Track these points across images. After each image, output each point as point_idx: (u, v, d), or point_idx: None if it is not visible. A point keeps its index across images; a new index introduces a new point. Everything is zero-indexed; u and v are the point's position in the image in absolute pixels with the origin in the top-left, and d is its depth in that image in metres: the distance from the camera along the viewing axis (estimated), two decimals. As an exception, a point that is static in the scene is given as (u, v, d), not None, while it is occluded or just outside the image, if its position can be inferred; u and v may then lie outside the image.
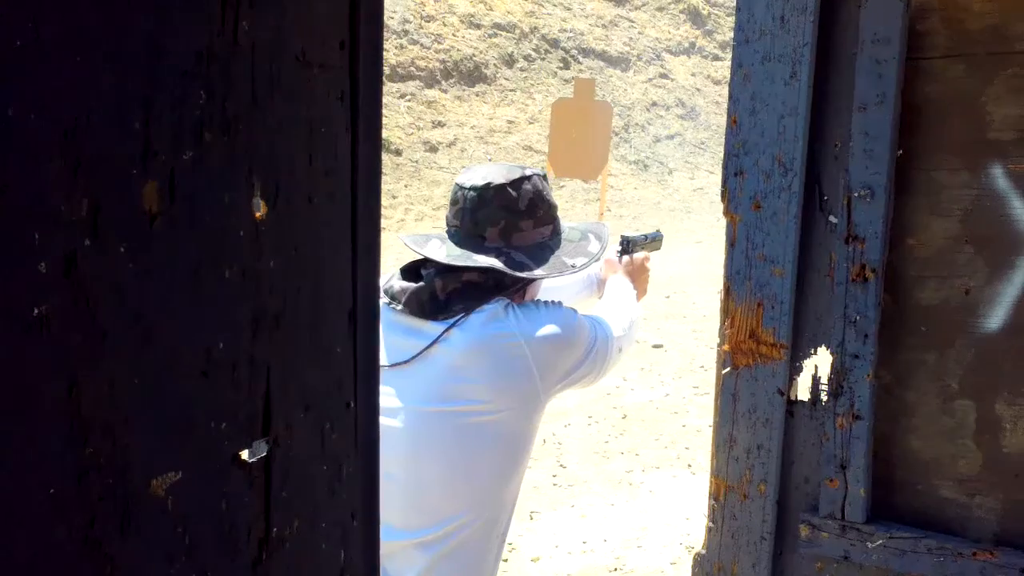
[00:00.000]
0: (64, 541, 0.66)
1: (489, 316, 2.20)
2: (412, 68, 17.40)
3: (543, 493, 5.77)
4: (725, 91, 22.33)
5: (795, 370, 1.94)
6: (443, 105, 17.34)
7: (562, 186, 15.01)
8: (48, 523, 0.65)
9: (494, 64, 18.80)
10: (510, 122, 17.89)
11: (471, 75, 18.37)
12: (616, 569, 4.95)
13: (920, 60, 1.83)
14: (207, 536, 0.78)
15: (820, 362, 1.91)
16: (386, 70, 16.57)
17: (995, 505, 1.87)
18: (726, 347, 1.97)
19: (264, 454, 0.81)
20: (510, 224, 2.26)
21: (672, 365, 8.13)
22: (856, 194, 1.81)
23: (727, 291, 1.96)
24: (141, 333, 0.70)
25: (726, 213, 1.94)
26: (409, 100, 16.94)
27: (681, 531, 5.23)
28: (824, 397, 1.91)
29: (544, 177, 2.36)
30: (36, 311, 0.63)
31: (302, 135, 0.84)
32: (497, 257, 2.23)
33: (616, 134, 17.42)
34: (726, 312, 1.96)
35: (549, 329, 2.22)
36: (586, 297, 2.80)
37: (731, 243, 1.94)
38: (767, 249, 1.90)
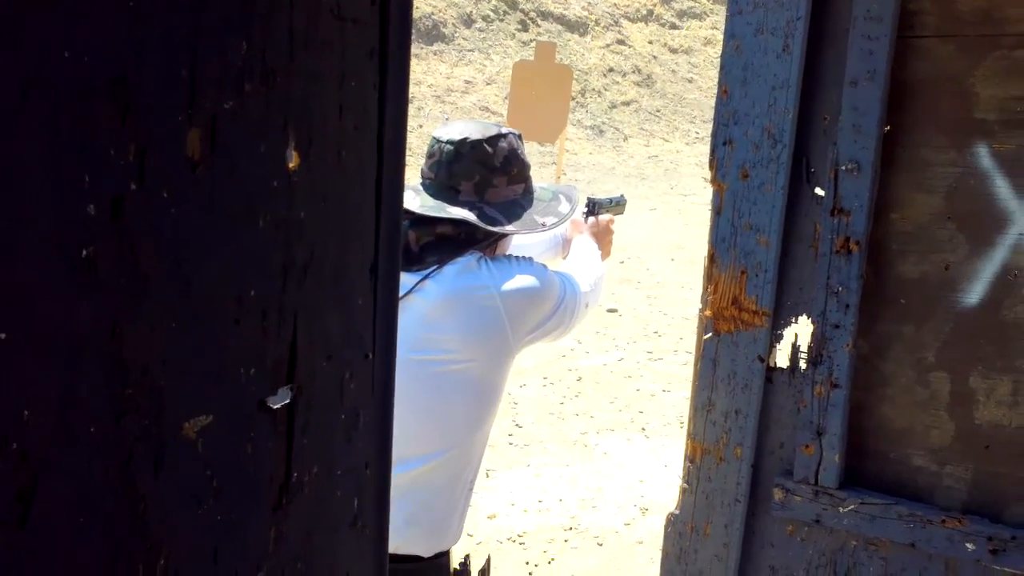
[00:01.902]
0: (101, 479, 0.67)
1: (462, 268, 2.26)
2: (372, 25, 17.20)
3: (499, 452, 5.81)
4: (682, 60, 22.40)
5: (776, 338, 1.97)
6: (401, 63, 17.19)
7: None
8: (87, 461, 0.66)
9: (452, 23, 18.68)
10: (467, 82, 17.79)
11: (429, 34, 18.25)
12: (571, 528, 5.00)
13: (911, 39, 1.85)
14: (233, 479, 0.79)
15: (801, 331, 1.94)
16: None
17: (965, 475, 1.92)
18: (708, 312, 2.00)
19: (288, 401, 0.83)
20: (484, 179, 2.32)
21: (626, 330, 8.17)
22: (843, 168, 1.84)
23: (711, 258, 1.98)
24: (180, 278, 0.71)
25: (713, 181, 1.96)
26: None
27: (635, 493, 5.29)
28: (803, 365, 1.95)
29: (520, 137, 2.42)
30: (84, 252, 0.63)
31: (333, 89, 0.85)
32: (470, 210, 2.28)
33: (573, 99, 17.39)
34: (709, 278, 1.99)
35: (521, 282, 2.29)
36: (552, 256, 2.86)
37: (717, 211, 1.97)
38: (753, 218, 1.92)
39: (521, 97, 11.71)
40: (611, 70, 20.14)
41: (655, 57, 21.29)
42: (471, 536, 4.84)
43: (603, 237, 2.84)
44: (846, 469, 1.98)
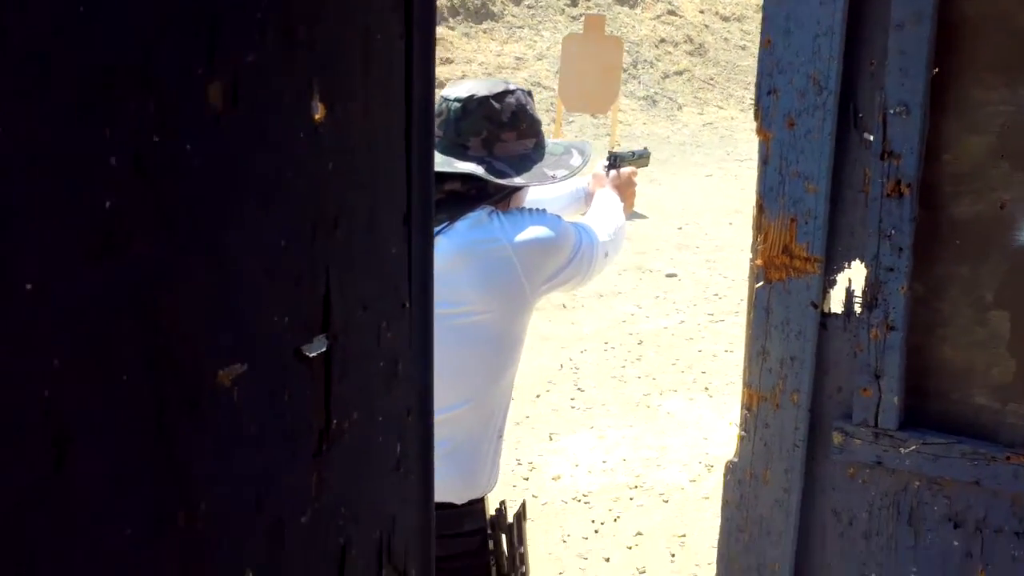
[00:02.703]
0: (136, 427, 0.68)
1: (473, 222, 2.28)
2: (420, 3, 17.18)
3: (561, 416, 5.82)
4: (733, 28, 22.12)
5: (829, 284, 1.96)
6: (451, 42, 17.18)
7: (571, 121, 14.93)
8: (120, 409, 0.67)
9: (501, 1, 18.59)
10: (518, 59, 17.73)
11: (478, 12, 18.18)
12: (636, 487, 5.00)
13: (956, -23, 1.82)
14: (271, 427, 0.80)
15: (854, 275, 1.92)
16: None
17: (1027, 412, 1.90)
18: (759, 262, 1.99)
19: (324, 349, 0.83)
20: (492, 134, 2.33)
21: (686, 294, 8.14)
22: (892, 111, 1.82)
23: (760, 208, 1.97)
24: (210, 230, 0.71)
25: (759, 131, 1.95)
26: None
27: (700, 450, 5.28)
28: (858, 309, 1.93)
29: (529, 93, 2.45)
30: (107, 204, 0.64)
31: (358, 41, 0.85)
32: (479, 165, 2.30)
33: (625, 70, 17.26)
34: (759, 228, 1.98)
35: (533, 233, 2.30)
36: (574, 211, 2.87)
37: (764, 161, 1.95)
38: (801, 166, 1.91)
39: (571, 70, 11.66)
40: (662, 40, 19.97)
41: (707, 26, 21.07)
42: (536, 497, 4.87)
43: (625, 190, 2.85)
44: (906, 411, 1.97)
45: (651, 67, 18.88)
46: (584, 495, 4.93)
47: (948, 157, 1.87)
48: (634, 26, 19.61)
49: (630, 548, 4.52)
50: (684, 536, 4.60)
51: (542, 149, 2.45)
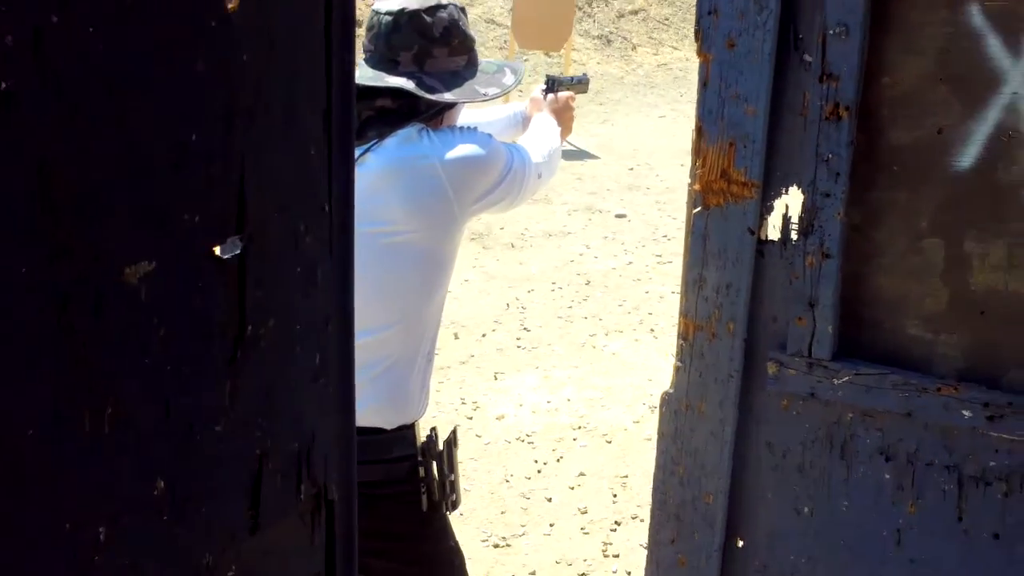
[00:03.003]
0: (36, 323, 0.65)
1: (402, 139, 2.27)
2: (374, -65, 17.04)
3: (507, 355, 5.81)
4: (691, -35, 22.05)
5: (766, 209, 1.94)
6: (404, -25, 17.03)
7: (526, 59, 14.82)
8: (20, 302, 0.64)
9: (455, -66, 18.43)
10: (472, -7, 17.60)
11: (433, -56, 18.02)
12: (580, 427, 5.02)
13: None
14: (182, 330, 0.77)
15: (791, 201, 1.91)
16: (348, -65, 16.16)
17: (960, 342, 1.90)
18: (697, 187, 1.97)
19: (238, 251, 0.80)
20: (423, 50, 2.31)
21: (635, 234, 8.14)
22: (831, 32, 1.79)
23: (699, 131, 1.95)
24: (113, 116, 0.68)
25: (699, 53, 1.92)
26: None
27: (644, 392, 5.30)
28: (794, 236, 1.92)
29: (462, 9, 2.42)
30: (3, 84, 0.61)
31: (272, -74, 0.81)
32: (409, 79, 2.27)
33: (579, 8, 17.14)
34: (697, 152, 1.96)
35: (463, 150, 2.29)
36: (511, 135, 2.85)
37: (704, 83, 1.93)
38: (740, 88, 1.88)
39: (525, 6, 11.57)
40: (618, -22, 19.86)
41: (663, -36, 20.97)
42: (479, 437, 4.87)
43: (563, 114, 2.83)
44: (841, 341, 1.96)
45: (606, 5, 18.77)
46: (528, 435, 4.94)
47: (887, 80, 1.84)
48: (590, -36, 19.48)
49: (572, 488, 4.54)
50: (626, 477, 4.63)
51: (474, 67, 2.42)
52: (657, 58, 17.84)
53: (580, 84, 2.96)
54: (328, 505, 0.98)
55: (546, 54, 14.49)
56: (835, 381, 1.94)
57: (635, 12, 19.15)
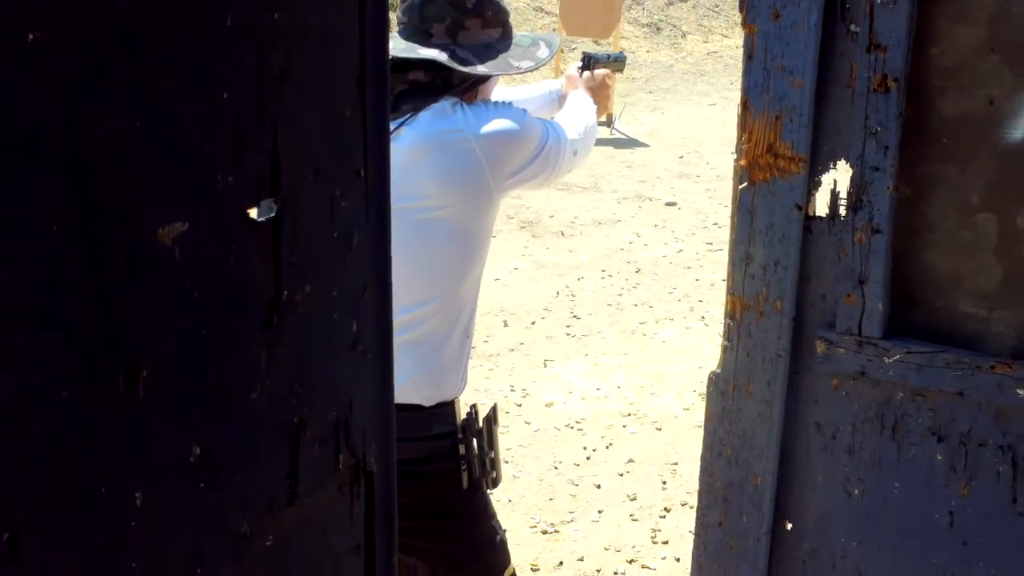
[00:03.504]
0: (70, 284, 0.65)
1: (436, 113, 2.25)
2: (421, -74, 17.05)
3: (556, 343, 5.80)
4: (742, -48, 21.76)
5: (814, 184, 1.91)
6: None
7: (574, 48, 14.78)
8: (51, 261, 0.63)
9: (505, -77, 18.40)
10: (521, -18, 17.56)
11: (482, -67, 18.00)
12: (629, 415, 5.00)
13: None
14: (216, 293, 0.76)
15: (839, 176, 1.88)
16: (396, -72, 16.24)
17: (1014, 319, 1.86)
18: (743, 162, 1.94)
19: (273, 214, 0.80)
20: (456, 22, 2.30)
21: (685, 222, 8.11)
22: (879, 1, 1.76)
23: (744, 105, 1.92)
24: (142, 70, 0.68)
25: (744, 25, 1.90)
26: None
27: (695, 379, 5.27)
28: (843, 212, 1.89)
29: None
30: (31, 37, 0.60)
31: None
32: (442, 51, 2.26)
33: (629, -4, 17.11)
34: (743, 127, 1.93)
35: (497, 125, 2.27)
36: (548, 113, 2.83)
37: (749, 55, 1.90)
38: (786, 60, 1.85)
39: (573, -7, 11.54)
40: (668, -34, 19.75)
41: (713, -49, 20.83)
42: (528, 424, 4.86)
43: (599, 92, 2.81)
44: (891, 319, 1.92)
45: (655, -7, 18.69)
46: (577, 422, 4.93)
47: (936, 51, 1.81)
48: (638, -49, 19.39)
49: (621, 475, 4.52)
50: (676, 464, 4.61)
51: (509, 40, 2.41)
52: (707, 46, 17.75)
53: (617, 62, 2.94)
54: (367, 476, 0.97)
55: (594, 42, 14.46)
56: (886, 360, 1.90)
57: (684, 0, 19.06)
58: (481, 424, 2.41)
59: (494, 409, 2.49)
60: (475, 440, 2.39)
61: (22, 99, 0.60)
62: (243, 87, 0.76)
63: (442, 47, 2.27)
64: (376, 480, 0.98)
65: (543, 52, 2.44)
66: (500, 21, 2.38)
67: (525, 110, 2.36)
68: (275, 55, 0.78)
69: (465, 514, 2.44)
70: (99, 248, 0.66)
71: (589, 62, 2.85)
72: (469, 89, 2.34)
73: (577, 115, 2.61)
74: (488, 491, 2.48)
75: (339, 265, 0.89)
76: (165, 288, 0.72)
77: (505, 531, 2.59)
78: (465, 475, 2.37)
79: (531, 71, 2.41)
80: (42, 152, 0.62)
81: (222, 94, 0.74)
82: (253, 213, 0.78)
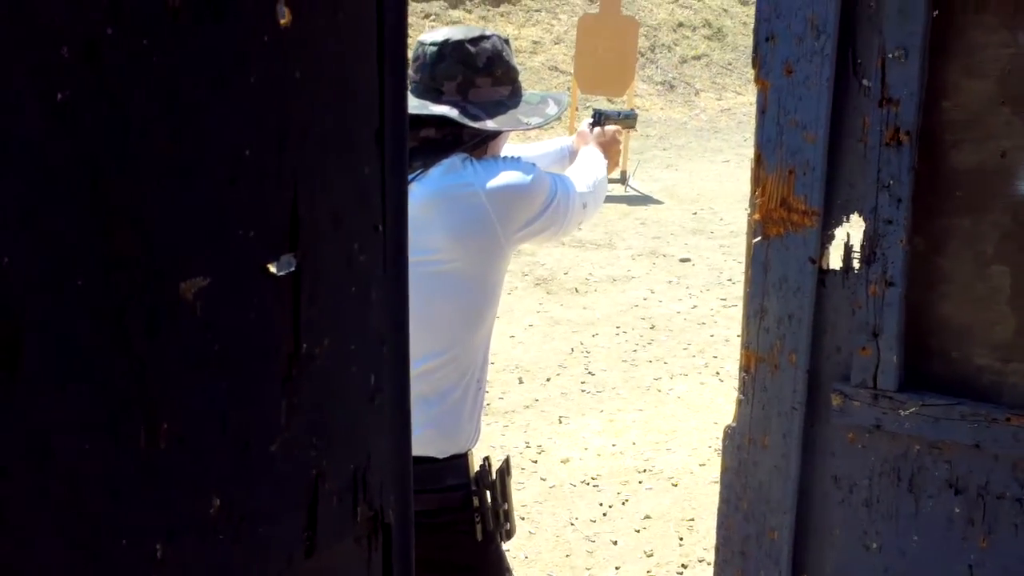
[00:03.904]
0: (93, 335, 0.66)
1: (446, 168, 2.29)
2: (436, -12, 17.22)
3: (571, 399, 5.79)
4: (752, 12, 21.91)
5: (827, 238, 1.92)
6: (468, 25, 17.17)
7: (588, 106, 14.89)
8: (76, 314, 0.64)
9: (518, -16, 18.55)
10: (535, 42, 17.68)
11: (495, -5, 18.15)
12: (645, 470, 4.98)
13: (957, -83, 1.79)
14: (237, 346, 0.77)
15: (852, 229, 1.89)
16: (410, -11, 16.41)
17: (1030, 371, 1.86)
18: (757, 216, 1.95)
19: (292, 269, 0.81)
20: (467, 79, 2.34)
21: (700, 278, 8.11)
22: (890, 55, 1.78)
23: (758, 159, 1.94)
24: (167, 128, 0.69)
25: (757, 80, 1.91)
26: (433, 20, 16.78)
27: (710, 435, 5.25)
28: (856, 265, 1.89)
29: (506, 41, 2.44)
30: (59, 96, 0.62)
31: (326, -54, 0.82)
32: (453, 108, 2.30)
33: (642, 55, 17.22)
34: (757, 181, 1.94)
35: (506, 179, 2.30)
36: (559, 169, 2.85)
37: (762, 110, 1.92)
38: (799, 115, 1.87)
39: (587, 50, 11.62)
40: (680, 25, 19.89)
41: (725, 10, 20.98)
42: (544, 480, 4.85)
43: (609, 148, 2.84)
44: (906, 371, 1.92)
45: (669, 51, 18.82)
46: (593, 478, 4.91)
47: (948, 104, 1.82)
48: (652, 9, 19.54)
49: (638, 531, 4.50)
50: (692, 520, 4.58)
51: (518, 97, 2.44)
52: (720, 103, 17.84)
53: (628, 119, 2.97)
54: (385, 528, 0.98)
55: (609, 100, 14.56)
56: (901, 412, 1.90)
57: (697, 57, 19.18)
58: (494, 476, 2.42)
59: (507, 461, 2.49)
60: (488, 492, 2.39)
61: (50, 156, 0.61)
62: (264, 143, 0.77)
63: (453, 104, 2.31)
64: (394, 532, 0.98)
65: (552, 109, 2.47)
66: (510, 79, 2.41)
67: (534, 164, 2.39)
68: (296, 112, 0.80)
69: (479, 566, 2.44)
70: (122, 301, 0.67)
71: (600, 118, 2.89)
72: (479, 145, 2.37)
73: (587, 169, 2.64)
74: (502, 543, 2.48)
75: (357, 319, 0.90)
76: (186, 341, 0.73)
77: None
78: (479, 527, 2.38)
79: (540, 127, 2.44)
80: (68, 207, 0.63)
81: (244, 151, 0.75)
82: (273, 268, 0.79)
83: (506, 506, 2.44)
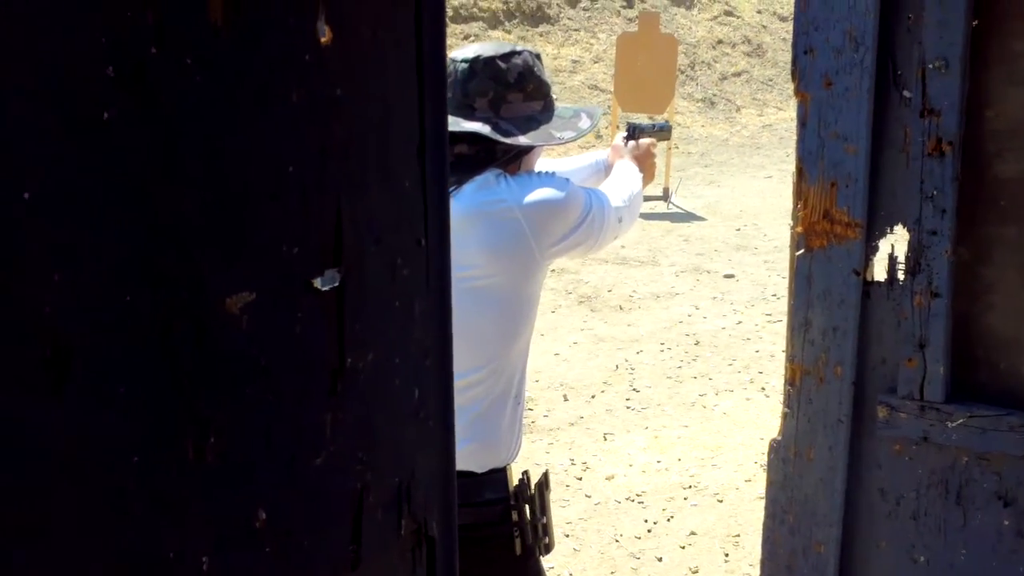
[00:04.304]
0: (140, 350, 0.67)
1: (480, 185, 2.30)
2: (475, 9, 17.28)
3: (616, 416, 5.78)
4: (791, 28, 21.83)
5: (871, 250, 1.91)
6: (508, 46, 17.19)
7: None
8: (123, 329, 0.65)
9: (557, 4, 18.58)
10: (574, 62, 17.71)
11: (534, 15, 18.19)
12: (690, 487, 4.95)
13: (997, -74, 1.78)
14: (282, 361, 0.78)
15: (896, 240, 1.88)
16: (449, 11, 16.49)
17: (1078, 380, 1.84)
18: (799, 229, 1.95)
19: (336, 284, 0.81)
20: (498, 95, 2.34)
21: (744, 294, 8.08)
22: (931, 66, 1.77)
23: (799, 172, 1.93)
24: (211, 146, 0.70)
25: (797, 93, 1.91)
26: (473, 40, 16.87)
27: (756, 450, 5.22)
28: (901, 276, 1.88)
29: (538, 56, 2.44)
30: (105, 115, 0.63)
31: (366, -36, 0.83)
32: (485, 124, 2.30)
33: (682, 72, 17.22)
34: (799, 194, 1.94)
35: (540, 194, 2.31)
36: (594, 183, 2.85)
37: (802, 123, 1.91)
38: (840, 127, 1.87)
39: (627, 69, 11.63)
40: (720, 42, 19.87)
41: (764, 26, 20.94)
42: (589, 497, 4.83)
43: (644, 161, 2.83)
44: (953, 382, 1.91)
45: (709, 68, 18.79)
46: (638, 495, 4.89)
47: (990, 113, 1.81)
48: (691, 27, 19.54)
49: (683, 548, 4.47)
50: (738, 536, 4.55)
51: (551, 112, 2.44)
52: (762, 119, 17.79)
53: (662, 131, 2.96)
54: (429, 542, 0.98)
55: (650, 117, 14.56)
56: (949, 424, 1.89)
57: (738, 74, 19.14)
58: (533, 490, 2.42)
59: (545, 475, 2.49)
60: (527, 506, 2.39)
61: (96, 174, 0.62)
62: (307, 160, 0.78)
63: (485, 120, 2.32)
64: (438, 546, 0.98)
65: (585, 123, 2.48)
66: (542, 94, 2.42)
67: (568, 179, 2.40)
68: (338, 128, 0.80)
69: None
70: (169, 317, 0.68)
71: (634, 132, 2.88)
72: (512, 161, 2.38)
73: (622, 183, 2.64)
74: (541, 558, 2.48)
75: (401, 333, 0.91)
76: (232, 356, 0.73)
77: None
78: (518, 541, 2.38)
79: (572, 141, 2.45)
80: (114, 225, 0.64)
81: (287, 167, 0.76)
82: (317, 283, 0.80)
83: (544, 520, 2.44)
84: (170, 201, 0.67)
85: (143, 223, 0.66)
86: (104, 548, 0.66)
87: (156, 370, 0.68)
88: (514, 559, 2.40)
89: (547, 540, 2.46)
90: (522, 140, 2.33)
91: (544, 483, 2.45)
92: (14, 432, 0.60)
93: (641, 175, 2.77)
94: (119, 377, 0.66)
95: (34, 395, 0.61)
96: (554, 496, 4.82)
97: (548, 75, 2.47)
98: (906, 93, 1.84)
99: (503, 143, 2.31)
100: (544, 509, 2.44)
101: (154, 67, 0.65)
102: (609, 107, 12.99)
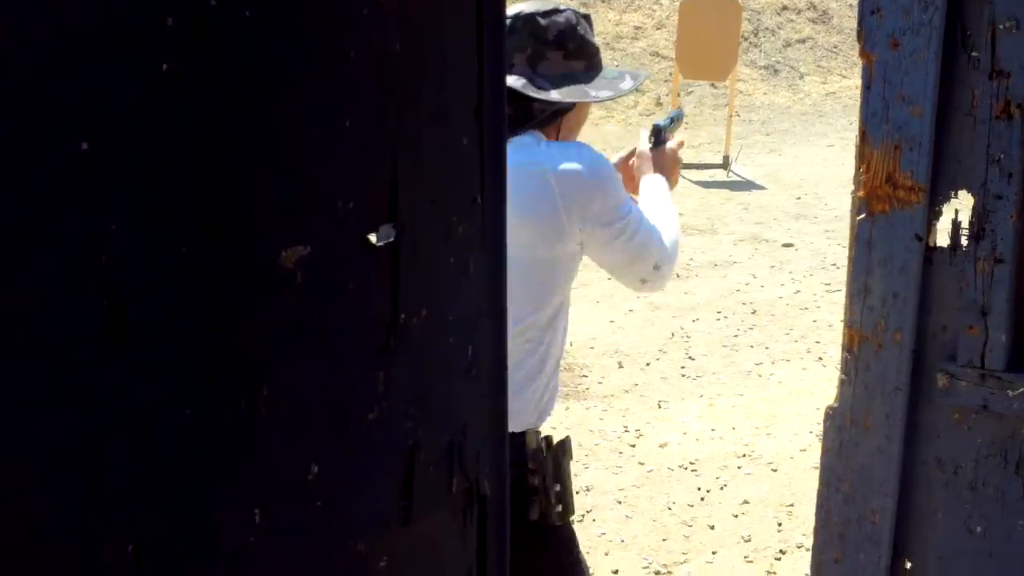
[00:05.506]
0: (194, 303, 0.67)
1: (518, 145, 2.27)
2: (537, -28, 17.22)
3: (671, 383, 5.76)
4: (858, -9, 21.51)
5: (934, 215, 1.88)
6: (568, 11, 17.09)
7: (691, 91, 14.74)
8: (178, 282, 0.65)
9: (620, -30, 18.44)
10: (637, 28, 17.56)
11: (597, -21, 18.08)
12: (744, 455, 4.93)
13: None
14: (335, 315, 0.78)
15: (961, 205, 1.85)
16: (511, -26, 16.38)
17: None
18: (861, 193, 1.92)
19: (391, 239, 0.81)
20: (536, 52, 2.32)
21: (803, 263, 8.01)
22: (1001, 26, 1.73)
23: (862, 135, 1.90)
24: (268, 99, 0.70)
25: (862, 54, 1.88)
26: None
27: (812, 420, 5.18)
28: (964, 241, 1.85)
29: (586, 16, 2.41)
30: (165, 67, 0.63)
31: (424, -81, 0.82)
32: (520, 78, 2.28)
33: (745, 39, 17.01)
34: (861, 157, 1.91)
35: (576, 165, 2.28)
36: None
37: (867, 85, 1.88)
38: (905, 89, 1.83)
39: (689, 35, 11.49)
40: (785, 8, 19.62)
41: (831, -10, 20.67)
42: (642, 464, 4.83)
43: (672, 170, 2.75)
44: (1015, 350, 1.88)
45: (772, 35, 18.56)
46: (691, 463, 4.88)
47: (1061, 76, 1.78)
48: (755, -8, 19.32)
49: (736, 516, 4.46)
50: (792, 506, 4.53)
51: (594, 73, 2.41)
52: (825, 87, 17.57)
53: (679, 120, 2.86)
54: (480, 500, 0.98)
55: (712, 85, 14.41)
56: (1010, 393, 1.86)
57: (802, 41, 18.91)
58: (546, 455, 2.39)
59: (564, 441, 2.46)
60: (546, 472, 2.37)
61: (154, 125, 0.62)
62: (364, 116, 0.77)
63: (521, 75, 2.30)
64: (489, 504, 0.98)
65: (626, 84, 2.45)
66: (585, 55, 2.39)
67: (614, 167, 2.37)
68: (395, 85, 0.80)
69: (535, 546, 2.40)
70: (223, 271, 0.68)
71: (659, 134, 2.74)
72: (550, 121, 2.35)
73: (667, 227, 2.50)
74: (563, 524, 2.44)
75: (455, 290, 0.90)
76: (286, 310, 0.73)
77: (589, 571, 2.55)
78: (536, 507, 2.36)
79: (609, 100, 2.43)
80: (170, 177, 0.64)
81: (344, 122, 0.76)
82: (372, 238, 0.79)
83: (558, 487, 2.40)
84: (225, 154, 0.67)
85: (199, 176, 0.66)
86: (159, 500, 0.67)
87: (210, 322, 0.68)
88: (529, 525, 2.37)
89: (560, 508, 2.42)
90: (553, 95, 2.31)
91: (560, 449, 2.43)
92: (74, 381, 0.61)
93: (670, 191, 2.69)
94: (173, 332, 0.66)
95: (92, 345, 0.62)
96: (607, 463, 4.84)
97: (594, 37, 2.44)
98: (975, 54, 1.80)
99: (532, 97, 2.29)
100: (559, 476, 2.41)
101: (213, 19, 0.65)
102: (671, 74, 12.88)
